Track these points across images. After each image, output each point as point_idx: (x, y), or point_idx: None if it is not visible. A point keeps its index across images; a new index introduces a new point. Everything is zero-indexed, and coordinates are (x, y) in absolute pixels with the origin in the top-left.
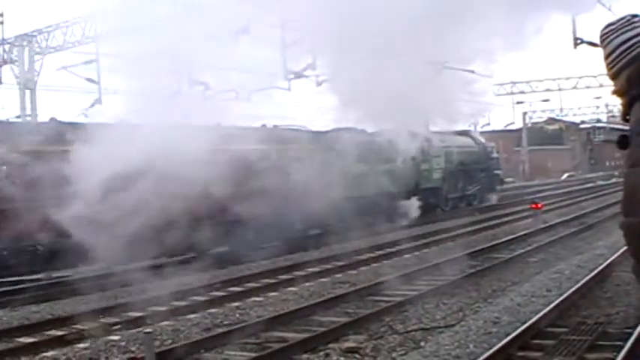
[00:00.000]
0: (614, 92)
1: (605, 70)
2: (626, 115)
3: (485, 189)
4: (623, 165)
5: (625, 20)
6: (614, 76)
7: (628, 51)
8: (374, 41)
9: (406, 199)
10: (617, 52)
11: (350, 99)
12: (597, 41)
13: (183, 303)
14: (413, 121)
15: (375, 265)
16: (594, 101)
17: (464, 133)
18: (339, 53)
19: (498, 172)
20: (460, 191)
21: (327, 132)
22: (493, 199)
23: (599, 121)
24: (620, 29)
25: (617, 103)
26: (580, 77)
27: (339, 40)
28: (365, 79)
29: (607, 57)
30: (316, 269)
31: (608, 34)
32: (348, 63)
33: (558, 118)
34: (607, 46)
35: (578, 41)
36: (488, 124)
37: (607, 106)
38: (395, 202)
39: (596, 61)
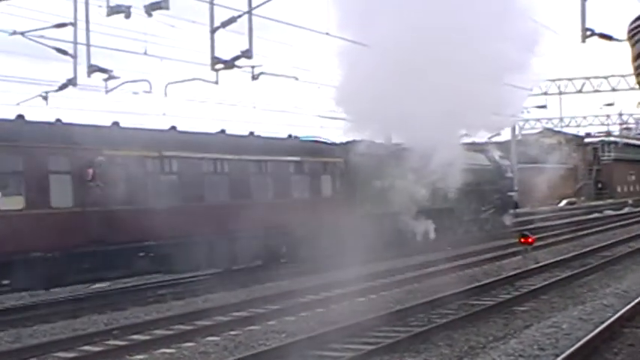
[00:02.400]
0: None
1: (631, 71)
2: None
3: (499, 212)
4: None
5: None
6: None
7: None
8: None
9: (419, 220)
10: None
11: (365, 109)
12: (612, 33)
13: (70, 354)
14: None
15: (319, 310)
16: (604, 109)
17: (478, 148)
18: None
19: (512, 193)
20: (473, 213)
21: (347, 144)
22: (507, 223)
23: (609, 134)
24: None
25: (634, 113)
26: (587, 78)
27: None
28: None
29: (638, 57)
30: (244, 314)
31: None
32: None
33: (557, 129)
34: (638, 44)
35: (588, 33)
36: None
37: (620, 115)
38: (410, 223)
39: (609, 58)
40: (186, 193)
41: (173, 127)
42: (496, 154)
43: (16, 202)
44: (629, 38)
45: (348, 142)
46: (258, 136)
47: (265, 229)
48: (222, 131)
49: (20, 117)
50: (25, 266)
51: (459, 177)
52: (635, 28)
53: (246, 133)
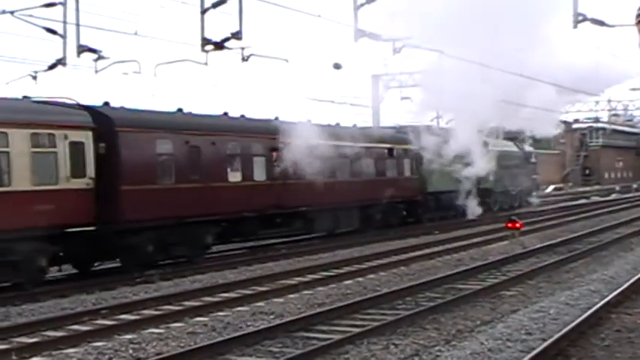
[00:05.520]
0: None
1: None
2: None
3: (526, 192)
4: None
5: None
6: None
7: None
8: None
9: (468, 199)
10: None
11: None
12: (603, 19)
13: (59, 333)
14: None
15: (306, 292)
16: (593, 95)
17: (508, 137)
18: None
19: (536, 176)
20: (506, 193)
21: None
22: (534, 202)
23: (597, 120)
24: None
25: (622, 99)
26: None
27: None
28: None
29: None
30: (232, 295)
31: None
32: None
33: None
34: None
35: (580, 18)
36: None
37: (609, 101)
38: (464, 200)
39: (599, 43)
40: (327, 171)
41: (308, 120)
42: (524, 142)
43: (238, 177)
44: (638, 23)
45: (417, 129)
46: (363, 127)
47: (369, 200)
48: (338, 124)
49: (225, 114)
50: (238, 223)
51: (495, 161)
52: None
53: (352, 124)
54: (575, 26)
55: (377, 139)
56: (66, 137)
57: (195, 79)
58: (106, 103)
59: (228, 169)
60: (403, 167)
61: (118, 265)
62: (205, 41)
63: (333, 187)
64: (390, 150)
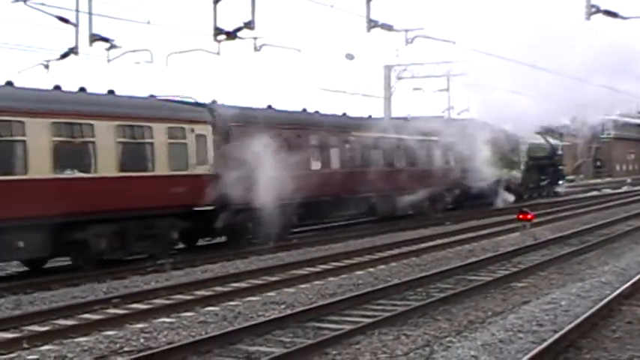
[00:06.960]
0: None
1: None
2: None
3: (553, 182)
4: None
5: None
6: None
7: None
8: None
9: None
10: None
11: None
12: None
13: (70, 322)
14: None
15: (317, 282)
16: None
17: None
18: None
19: (562, 167)
20: (535, 183)
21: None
22: (561, 192)
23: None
24: None
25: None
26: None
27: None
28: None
29: None
30: (243, 285)
31: None
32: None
33: None
34: None
35: (593, 10)
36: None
37: None
38: (500, 188)
39: (612, 34)
40: (386, 161)
41: (370, 116)
42: (550, 135)
43: (317, 165)
44: None
45: (464, 123)
46: (413, 119)
47: (422, 188)
48: (403, 118)
49: (304, 110)
50: (314, 206)
51: (525, 153)
52: None
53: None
54: (588, 17)
55: (426, 131)
56: (193, 131)
57: (207, 69)
58: (214, 101)
59: (311, 159)
60: (448, 158)
61: (222, 241)
62: (218, 31)
63: (393, 176)
64: (437, 142)
